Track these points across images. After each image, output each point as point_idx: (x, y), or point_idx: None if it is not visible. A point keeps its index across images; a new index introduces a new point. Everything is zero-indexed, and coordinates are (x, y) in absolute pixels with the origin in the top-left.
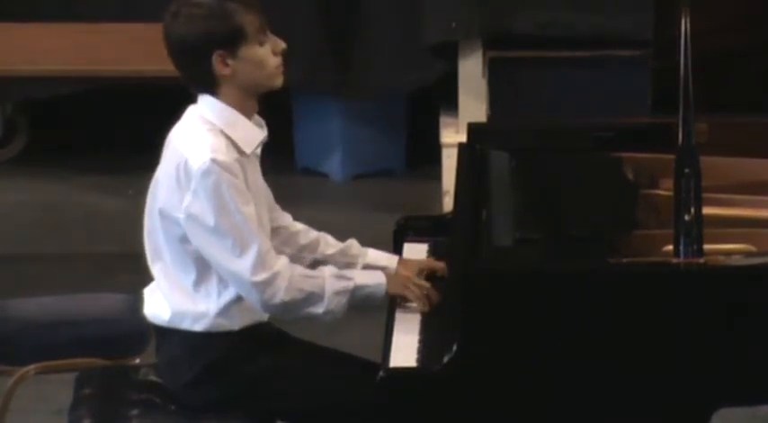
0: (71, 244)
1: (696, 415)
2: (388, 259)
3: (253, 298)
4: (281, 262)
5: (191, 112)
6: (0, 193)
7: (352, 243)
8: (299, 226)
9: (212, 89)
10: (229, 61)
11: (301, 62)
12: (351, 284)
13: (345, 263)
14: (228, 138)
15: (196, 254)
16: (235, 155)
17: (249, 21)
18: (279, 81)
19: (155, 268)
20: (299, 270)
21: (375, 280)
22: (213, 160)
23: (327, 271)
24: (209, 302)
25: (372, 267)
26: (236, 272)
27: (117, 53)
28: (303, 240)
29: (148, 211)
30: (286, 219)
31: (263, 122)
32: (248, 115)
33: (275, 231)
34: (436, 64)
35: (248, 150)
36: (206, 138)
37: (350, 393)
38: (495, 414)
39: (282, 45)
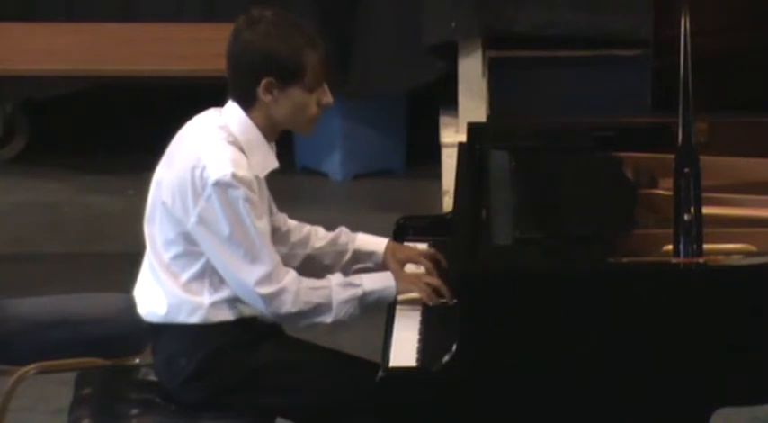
0: (71, 244)
1: (696, 415)
2: (376, 244)
3: (259, 307)
4: (289, 276)
5: (213, 117)
6: (0, 193)
7: (342, 231)
8: (292, 224)
9: (247, 105)
10: (275, 91)
11: None
12: (359, 291)
13: (336, 252)
14: (246, 157)
15: (194, 254)
16: (253, 171)
17: (315, 64)
18: (308, 131)
19: (153, 257)
20: (307, 283)
21: (383, 283)
22: (234, 175)
23: (335, 280)
24: (203, 295)
25: (362, 253)
26: (244, 282)
27: (117, 53)
28: (294, 238)
29: (151, 200)
30: (281, 220)
31: (275, 149)
32: (269, 140)
33: (273, 233)
34: (436, 64)
35: (261, 174)
36: (227, 150)
37: (350, 393)
38: (495, 414)
39: (329, 100)
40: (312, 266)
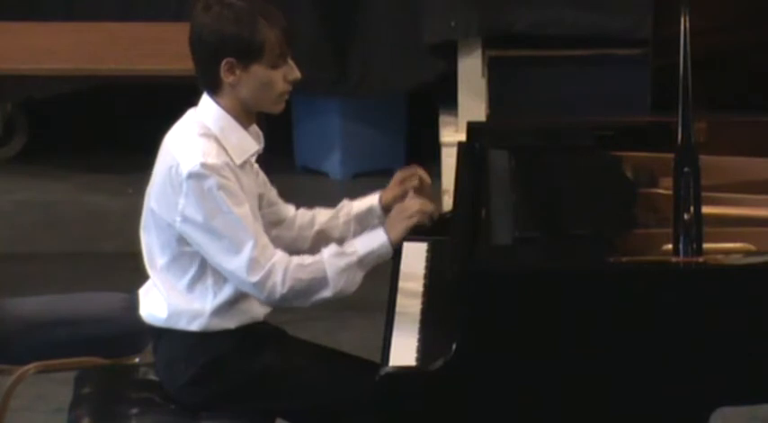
0: (71, 244)
1: (696, 415)
2: (370, 199)
3: (255, 295)
4: (277, 257)
5: (189, 116)
6: (0, 193)
7: (344, 204)
8: (299, 211)
9: (214, 90)
10: (237, 71)
11: (301, 61)
12: (354, 258)
13: (342, 223)
14: (221, 145)
15: (189, 255)
16: (225, 158)
17: (272, 41)
18: (278, 108)
19: (150, 267)
20: (296, 260)
21: (377, 241)
22: (203, 164)
23: (326, 252)
24: (204, 302)
25: (362, 215)
26: (233, 271)
27: (117, 53)
28: (300, 221)
29: (144, 209)
30: (283, 210)
31: (260, 134)
32: (245, 125)
33: (277, 224)
34: (436, 63)
35: (238, 161)
36: (198, 142)
37: (350, 393)
38: (495, 414)
39: (297, 75)
40: (325, 242)
